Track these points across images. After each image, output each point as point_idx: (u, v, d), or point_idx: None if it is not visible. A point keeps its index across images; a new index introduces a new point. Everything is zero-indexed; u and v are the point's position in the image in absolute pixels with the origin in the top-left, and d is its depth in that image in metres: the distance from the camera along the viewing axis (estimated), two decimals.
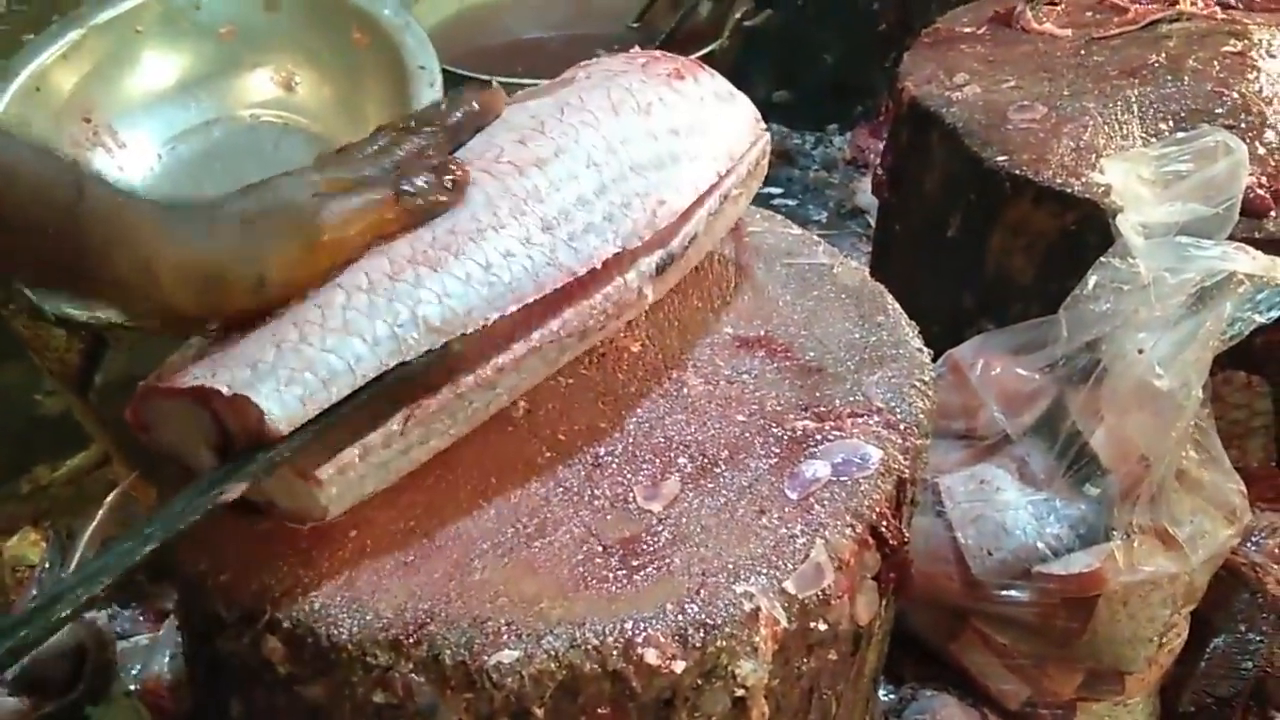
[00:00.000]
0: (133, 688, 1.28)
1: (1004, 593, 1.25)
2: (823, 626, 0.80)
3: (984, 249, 1.43)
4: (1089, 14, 1.74)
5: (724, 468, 0.86)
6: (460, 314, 0.79)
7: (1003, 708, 1.33)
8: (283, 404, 0.73)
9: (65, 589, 0.65)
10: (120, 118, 1.62)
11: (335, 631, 0.74)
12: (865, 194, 2.36)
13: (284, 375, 0.74)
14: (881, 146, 1.85)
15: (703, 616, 0.75)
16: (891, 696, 1.34)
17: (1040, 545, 1.22)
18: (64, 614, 0.65)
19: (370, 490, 0.80)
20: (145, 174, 1.62)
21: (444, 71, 1.49)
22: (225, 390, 0.73)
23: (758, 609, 0.76)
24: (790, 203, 2.44)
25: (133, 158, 1.61)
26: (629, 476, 0.86)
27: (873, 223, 2.09)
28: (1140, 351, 1.16)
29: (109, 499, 1.51)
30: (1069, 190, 1.33)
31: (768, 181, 2.45)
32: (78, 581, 0.66)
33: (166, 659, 1.30)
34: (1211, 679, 1.38)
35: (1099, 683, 1.30)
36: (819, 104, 2.63)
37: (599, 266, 0.85)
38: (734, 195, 1.00)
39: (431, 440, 0.82)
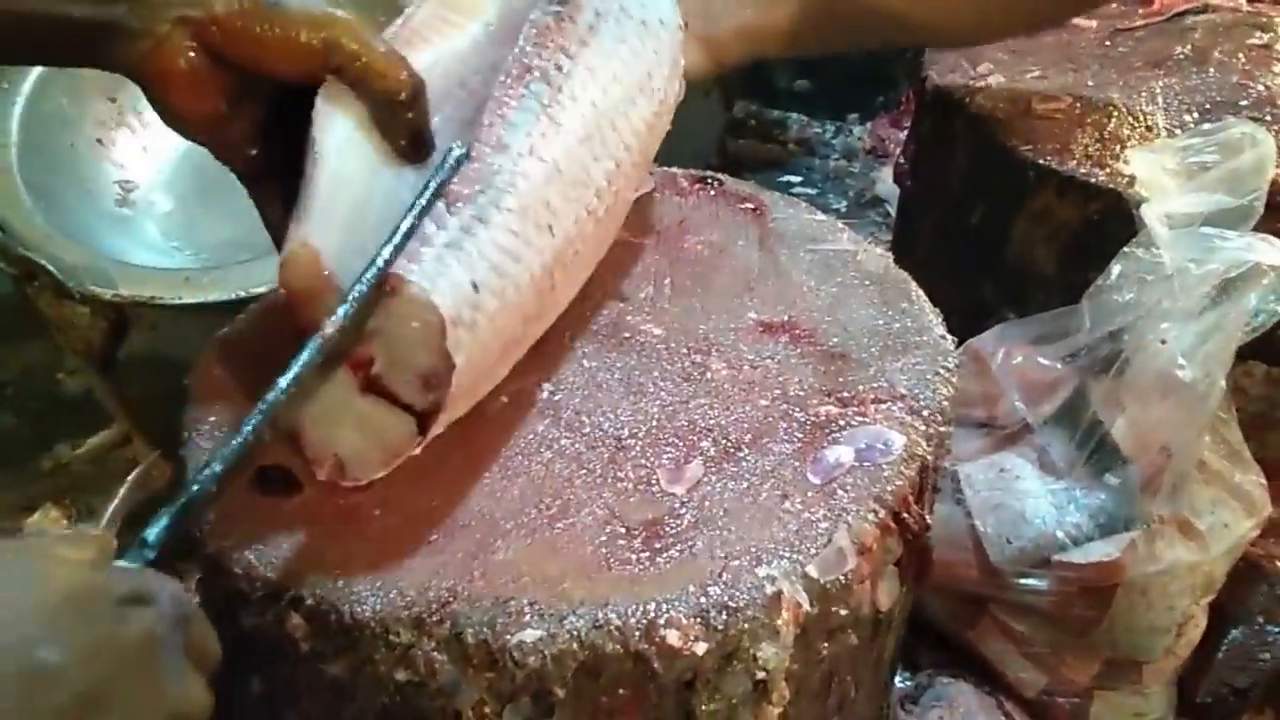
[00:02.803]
0: None
1: (1023, 581, 1.25)
2: (844, 611, 0.80)
3: (1006, 239, 1.43)
4: (1114, 5, 1.73)
5: (747, 452, 0.86)
6: None
7: (1019, 696, 1.33)
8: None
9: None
10: (144, 98, 1.62)
11: (358, 609, 0.74)
12: (885, 183, 2.36)
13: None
14: (902, 136, 1.85)
15: (725, 599, 0.74)
16: (908, 683, 1.34)
17: (1060, 534, 1.22)
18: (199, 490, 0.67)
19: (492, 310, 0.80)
20: (170, 154, 1.62)
21: None
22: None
23: (780, 592, 0.75)
24: (810, 192, 2.44)
25: (157, 137, 1.62)
26: (652, 459, 0.86)
27: (893, 212, 2.10)
28: (1163, 342, 1.16)
29: (130, 478, 1.52)
30: (1093, 180, 1.32)
31: (788, 170, 2.47)
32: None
33: None
34: (1229, 670, 1.38)
35: (1116, 672, 1.30)
36: (839, 93, 2.63)
37: None
38: None
39: (496, 218, 0.81)
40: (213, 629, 0.66)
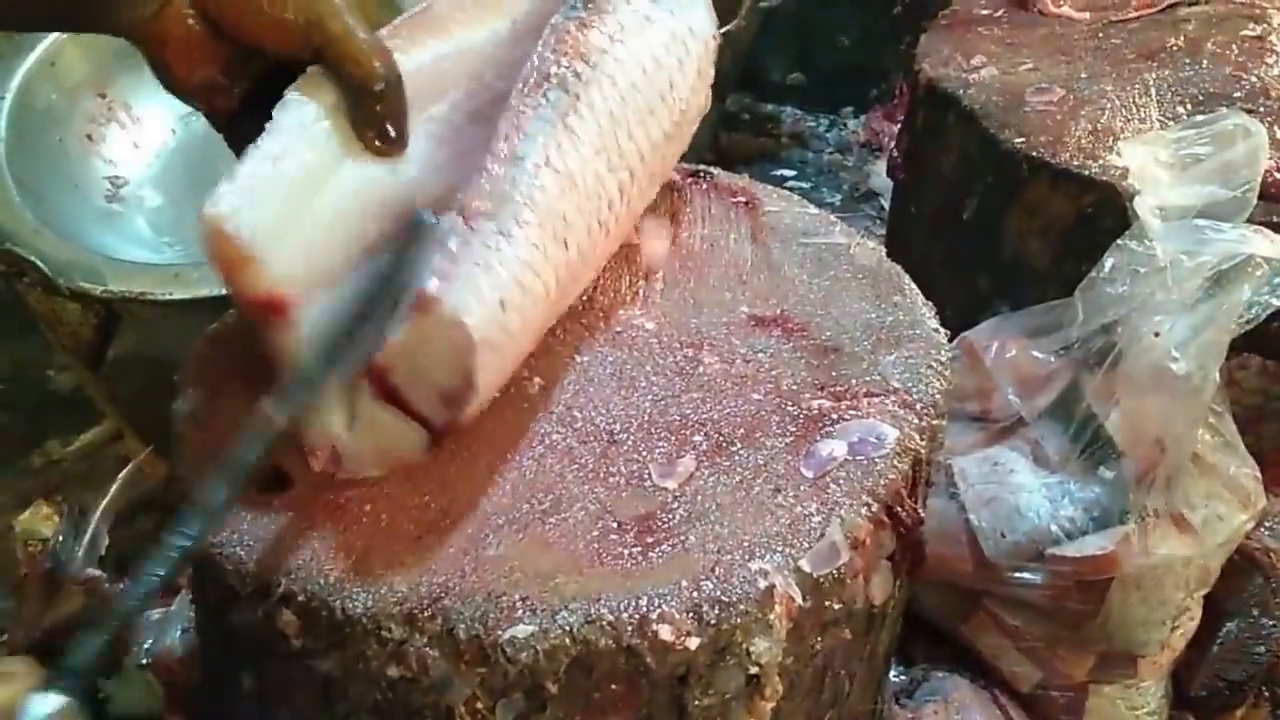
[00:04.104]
0: (144, 661, 1.28)
1: (1017, 575, 1.25)
2: (837, 605, 0.80)
3: (1000, 232, 1.43)
4: None
5: (740, 446, 0.86)
6: None
7: (1014, 690, 1.33)
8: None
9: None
10: (134, 93, 1.62)
11: (349, 605, 0.74)
12: (879, 177, 2.36)
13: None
14: (896, 129, 1.85)
15: (718, 594, 0.74)
16: (903, 677, 1.34)
17: (1054, 527, 1.22)
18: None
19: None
20: (159, 149, 1.62)
21: None
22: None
23: (773, 587, 0.75)
24: (804, 185, 2.44)
25: (147, 133, 1.62)
26: (644, 454, 0.85)
27: (886, 206, 2.09)
28: (1157, 335, 1.16)
29: (121, 475, 1.51)
30: (1086, 173, 1.32)
31: (782, 164, 2.47)
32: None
33: (178, 633, 1.30)
34: (1224, 663, 1.38)
35: (1111, 666, 1.30)
36: (834, 87, 2.63)
37: None
38: None
39: (518, 233, 0.81)
40: None
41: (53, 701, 0.65)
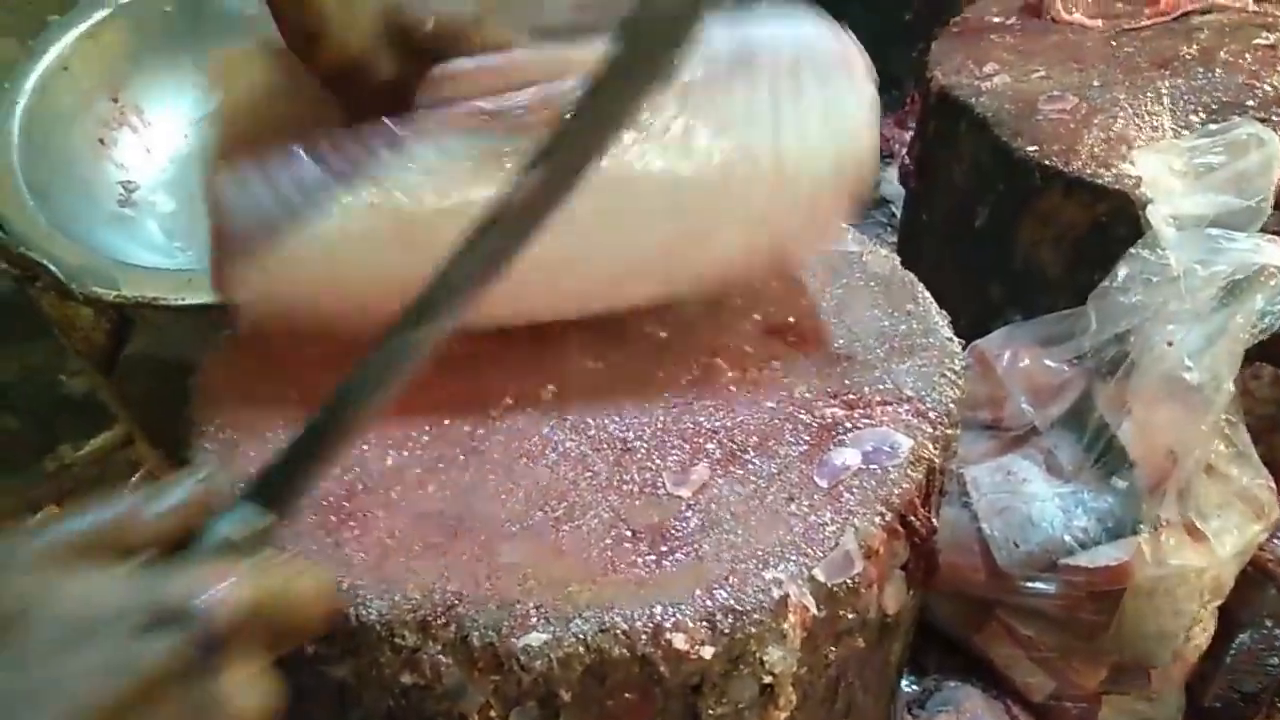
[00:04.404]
0: None
1: (1030, 585, 1.24)
2: (851, 615, 0.79)
3: (1012, 240, 1.43)
4: (1119, 5, 1.73)
5: (753, 454, 0.86)
6: None
7: (1027, 700, 1.33)
8: None
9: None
10: (147, 97, 1.62)
11: (363, 612, 0.74)
12: (890, 184, 2.35)
13: None
14: (907, 136, 1.85)
15: (732, 603, 0.74)
16: (915, 687, 1.34)
17: (1067, 537, 1.22)
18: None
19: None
20: (172, 154, 1.62)
21: None
22: None
23: (787, 596, 0.75)
24: None
25: (160, 137, 1.61)
26: (657, 462, 0.85)
27: (897, 213, 2.09)
28: (1170, 344, 1.16)
29: (133, 480, 1.51)
30: (1099, 181, 1.31)
31: None
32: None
33: None
34: (1237, 674, 1.38)
35: (1124, 676, 1.30)
36: None
37: None
38: None
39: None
40: (289, 626, 0.60)
41: (246, 518, 0.58)
